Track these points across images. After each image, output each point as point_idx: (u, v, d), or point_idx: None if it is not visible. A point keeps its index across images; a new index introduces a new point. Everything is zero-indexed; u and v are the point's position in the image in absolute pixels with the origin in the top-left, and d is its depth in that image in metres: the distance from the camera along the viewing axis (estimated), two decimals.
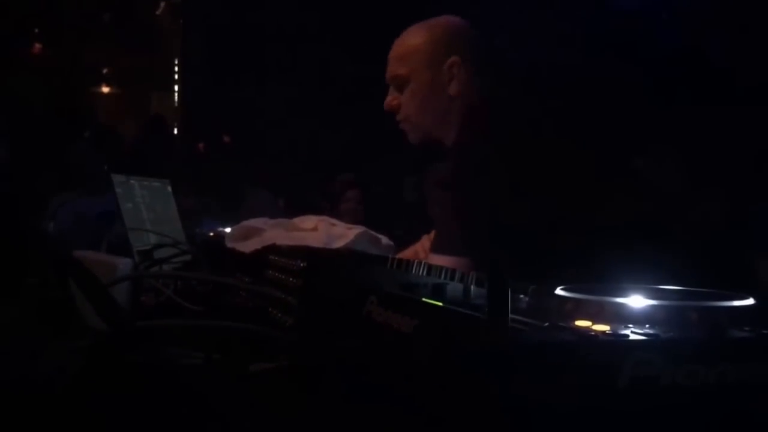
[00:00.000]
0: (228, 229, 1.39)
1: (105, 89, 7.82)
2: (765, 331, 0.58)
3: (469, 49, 1.61)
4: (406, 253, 1.65)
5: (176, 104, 7.78)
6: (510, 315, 0.56)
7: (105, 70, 7.76)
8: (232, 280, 1.00)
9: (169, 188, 1.82)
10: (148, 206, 1.64)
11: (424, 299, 0.66)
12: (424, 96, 1.61)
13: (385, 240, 1.36)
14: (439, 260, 1.40)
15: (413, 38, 1.63)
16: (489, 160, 1.44)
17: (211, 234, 1.60)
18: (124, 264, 0.85)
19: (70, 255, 0.56)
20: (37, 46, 6.53)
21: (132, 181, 1.62)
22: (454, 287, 0.76)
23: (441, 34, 1.62)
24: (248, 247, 1.13)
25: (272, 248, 1.03)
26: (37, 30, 6.64)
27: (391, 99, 1.65)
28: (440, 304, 0.64)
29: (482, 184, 1.43)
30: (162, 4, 7.51)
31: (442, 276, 0.78)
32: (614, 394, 0.52)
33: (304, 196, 4.37)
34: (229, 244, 1.19)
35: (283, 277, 0.91)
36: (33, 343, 0.52)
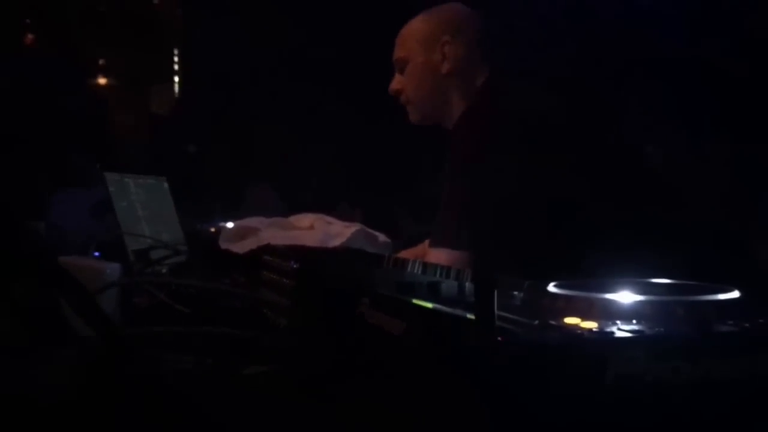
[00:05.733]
0: (230, 224, 1.38)
1: (102, 81, 7.77)
2: (748, 325, 0.58)
3: (464, 29, 1.64)
4: (408, 254, 1.64)
5: (176, 97, 7.74)
6: (502, 313, 0.56)
7: (102, 62, 7.71)
8: (219, 285, 1.00)
9: (166, 185, 1.80)
10: (143, 204, 1.62)
11: (414, 301, 0.66)
12: (419, 76, 1.65)
13: (382, 237, 1.36)
14: (436, 255, 1.39)
15: (413, 23, 1.69)
16: (487, 148, 1.44)
17: (212, 230, 1.59)
18: (112, 269, 0.85)
19: (55, 263, 0.56)
20: (30, 37, 6.46)
21: (126, 179, 1.59)
22: (450, 285, 0.76)
23: (438, 16, 1.67)
24: (243, 247, 1.13)
25: (267, 248, 1.03)
26: (29, 21, 6.56)
27: (394, 83, 1.70)
28: (429, 306, 0.64)
29: (479, 172, 1.43)
30: None
31: (438, 274, 0.78)
32: (600, 391, 0.52)
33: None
34: (224, 245, 1.18)
35: (277, 277, 0.92)
36: (20, 352, 0.52)
